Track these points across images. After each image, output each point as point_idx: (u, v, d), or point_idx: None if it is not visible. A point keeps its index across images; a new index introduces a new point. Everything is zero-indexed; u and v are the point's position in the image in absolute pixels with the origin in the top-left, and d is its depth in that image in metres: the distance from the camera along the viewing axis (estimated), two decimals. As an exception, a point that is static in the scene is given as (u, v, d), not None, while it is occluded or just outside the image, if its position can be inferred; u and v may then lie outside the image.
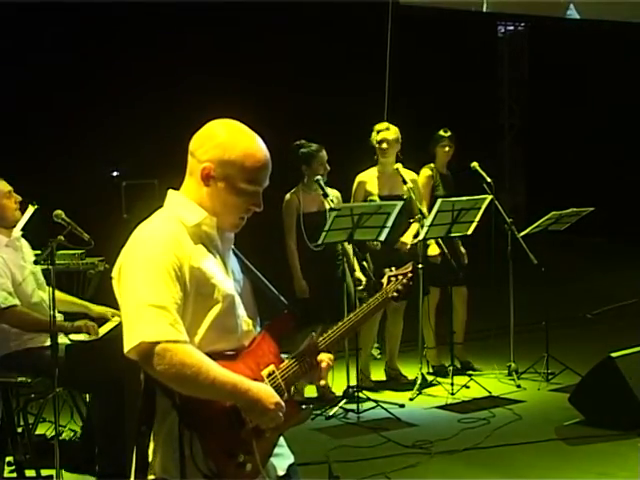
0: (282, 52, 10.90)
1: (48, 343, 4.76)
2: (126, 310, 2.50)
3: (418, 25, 11.63)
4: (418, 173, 7.28)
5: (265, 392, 2.56)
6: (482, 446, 5.60)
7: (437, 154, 7.41)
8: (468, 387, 6.86)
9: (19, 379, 4.84)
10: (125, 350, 2.46)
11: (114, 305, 5.19)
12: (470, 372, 7.23)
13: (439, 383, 6.90)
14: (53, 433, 4.99)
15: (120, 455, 4.59)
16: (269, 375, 2.66)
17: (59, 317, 4.97)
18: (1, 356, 4.94)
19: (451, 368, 6.88)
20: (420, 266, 6.71)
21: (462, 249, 7.34)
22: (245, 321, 2.68)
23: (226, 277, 2.64)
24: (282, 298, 2.80)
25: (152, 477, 2.54)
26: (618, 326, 8.65)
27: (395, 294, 2.96)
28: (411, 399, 6.68)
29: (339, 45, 11.30)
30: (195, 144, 2.63)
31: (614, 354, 5.78)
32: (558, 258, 8.67)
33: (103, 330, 4.99)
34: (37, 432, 5.53)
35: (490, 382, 7.02)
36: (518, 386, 6.93)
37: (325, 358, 2.75)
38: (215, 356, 2.52)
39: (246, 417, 2.55)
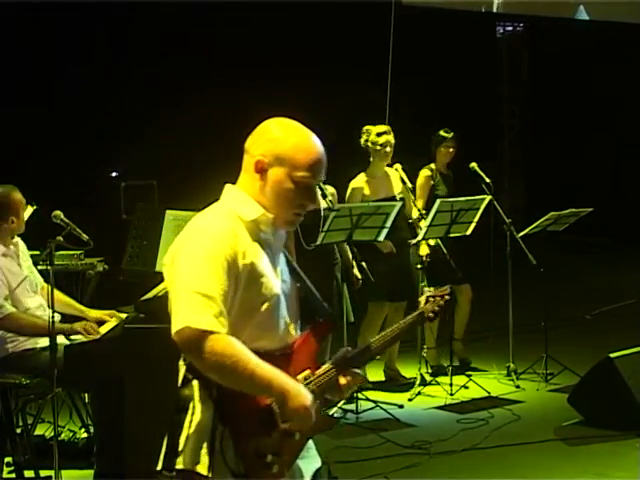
0: (283, 52, 10.90)
1: (46, 344, 4.76)
2: (176, 295, 2.52)
3: (419, 25, 11.63)
4: (418, 173, 7.31)
5: (302, 392, 2.57)
6: (481, 446, 5.60)
7: (439, 154, 7.40)
8: (467, 387, 6.86)
9: (17, 380, 4.83)
10: (172, 333, 2.49)
11: (113, 306, 5.20)
12: (469, 372, 7.22)
13: (438, 383, 6.91)
14: (52, 434, 4.98)
15: (119, 455, 4.59)
16: (305, 379, 2.68)
17: (56, 318, 4.95)
18: (-1, 358, 4.94)
19: (450, 368, 6.88)
20: (419, 267, 6.73)
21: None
22: (287, 322, 2.70)
23: (275, 276, 2.67)
24: (325, 305, 2.83)
25: (180, 467, 2.53)
26: (617, 326, 8.64)
27: (431, 314, 3.01)
28: (410, 399, 6.67)
29: (341, 44, 11.30)
30: (249, 141, 2.68)
31: (613, 354, 5.78)
32: (557, 258, 8.68)
33: (103, 330, 4.98)
34: (36, 433, 5.52)
35: (489, 382, 7.02)
36: (517, 386, 6.93)
37: (351, 379, 2.76)
38: (256, 353, 2.54)
39: (278, 418, 2.56)
